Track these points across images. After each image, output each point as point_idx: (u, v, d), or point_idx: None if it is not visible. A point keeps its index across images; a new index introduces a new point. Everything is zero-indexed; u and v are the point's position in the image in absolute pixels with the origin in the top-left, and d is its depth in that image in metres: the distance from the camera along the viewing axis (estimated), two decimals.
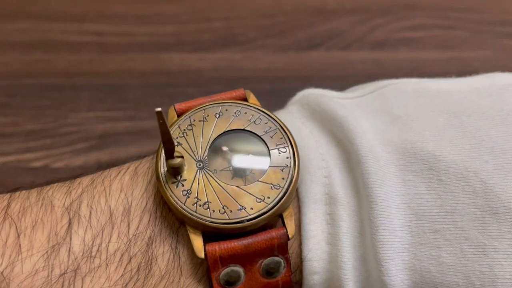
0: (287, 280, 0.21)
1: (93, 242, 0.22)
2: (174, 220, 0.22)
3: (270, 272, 0.21)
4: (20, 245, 0.22)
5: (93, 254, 0.21)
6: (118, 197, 0.23)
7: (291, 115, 0.27)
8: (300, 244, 0.23)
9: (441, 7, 0.55)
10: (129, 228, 0.22)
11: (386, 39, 0.51)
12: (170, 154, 0.22)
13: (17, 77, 0.49)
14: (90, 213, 0.22)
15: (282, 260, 0.21)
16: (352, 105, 0.26)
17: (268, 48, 0.51)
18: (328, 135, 0.25)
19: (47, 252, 0.22)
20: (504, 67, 0.48)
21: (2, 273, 0.21)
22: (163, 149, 0.22)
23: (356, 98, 0.27)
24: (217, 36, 0.53)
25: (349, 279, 0.22)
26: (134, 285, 0.21)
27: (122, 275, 0.21)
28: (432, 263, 0.22)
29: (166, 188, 0.22)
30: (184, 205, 0.21)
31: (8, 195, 0.24)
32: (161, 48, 0.51)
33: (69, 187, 0.24)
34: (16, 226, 0.22)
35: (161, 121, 0.20)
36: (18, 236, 0.22)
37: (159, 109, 0.20)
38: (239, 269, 0.21)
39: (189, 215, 0.21)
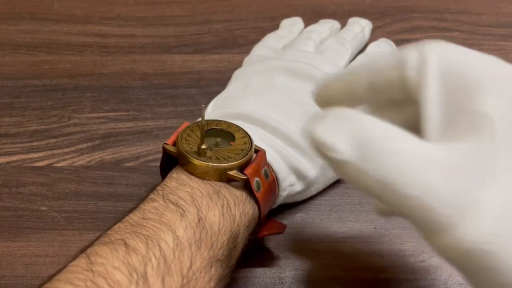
0: (273, 178, 0.36)
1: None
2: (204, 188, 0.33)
3: (266, 175, 0.35)
4: None
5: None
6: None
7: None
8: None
9: (438, 9, 0.56)
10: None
11: None
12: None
13: (21, 78, 0.49)
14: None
15: (267, 168, 0.35)
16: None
17: None
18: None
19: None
20: None
21: None
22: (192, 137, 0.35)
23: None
24: (218, 38, 0.53)
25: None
26: (206, 237, 0.31)
27: (194, 236, 0.30)
28: None
29: (202, 160, 0.33)
30: (222, 163, 0.33)
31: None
32: (163, 49, 0.52)
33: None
34: None
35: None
36: None
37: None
38: (257, 178, 0.34)
39: (234, 163, 0.34)
